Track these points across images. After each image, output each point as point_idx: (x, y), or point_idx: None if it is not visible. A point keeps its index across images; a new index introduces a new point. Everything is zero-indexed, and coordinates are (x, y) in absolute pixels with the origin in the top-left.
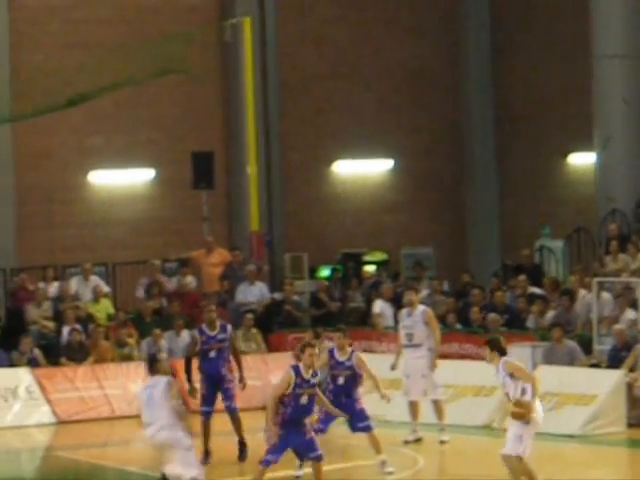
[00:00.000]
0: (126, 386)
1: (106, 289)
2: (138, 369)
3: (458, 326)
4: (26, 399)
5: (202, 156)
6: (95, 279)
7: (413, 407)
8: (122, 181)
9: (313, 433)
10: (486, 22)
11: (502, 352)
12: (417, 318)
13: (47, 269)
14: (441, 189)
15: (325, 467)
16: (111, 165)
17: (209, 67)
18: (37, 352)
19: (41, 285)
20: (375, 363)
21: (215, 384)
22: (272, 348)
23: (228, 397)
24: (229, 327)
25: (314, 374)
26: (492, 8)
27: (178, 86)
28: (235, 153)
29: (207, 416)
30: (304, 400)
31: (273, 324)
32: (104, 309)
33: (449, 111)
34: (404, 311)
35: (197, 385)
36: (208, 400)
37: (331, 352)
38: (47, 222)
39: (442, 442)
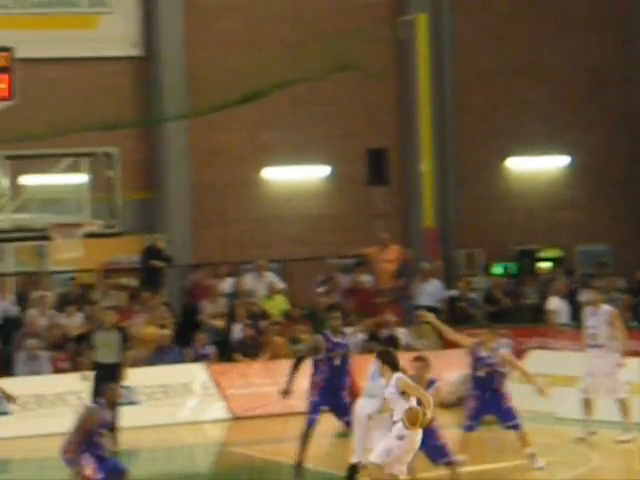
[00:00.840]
0: (300, 382)
1: (281, 285)
2: None
3: (633, 323)
4: (201, 395)
5: (377, 153)
6: (269, 275)
7: (588, 404)
8: (296, 177)
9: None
10: None
11: (394, 366)
12: (601, 318)
13: (221, 265)
14: (618, 185)
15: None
16: (285, 161)
17: (384, 64)
18: (211, 348)
19: (214, 281)
20: (550, 360)
21: (332, 393)
22: (446, 345)
23: (346, 412)
24: (347, 332)
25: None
26: None
27: (353, 83)
28: (410, 150)
29: (313, 423)
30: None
31: (448, 320)
32: (278, 305)
33: (625, 106)
34: (588, 311)
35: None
36: (318, 408)
37: (473, 348)
38: (221, 218)
39: (621, 441)
